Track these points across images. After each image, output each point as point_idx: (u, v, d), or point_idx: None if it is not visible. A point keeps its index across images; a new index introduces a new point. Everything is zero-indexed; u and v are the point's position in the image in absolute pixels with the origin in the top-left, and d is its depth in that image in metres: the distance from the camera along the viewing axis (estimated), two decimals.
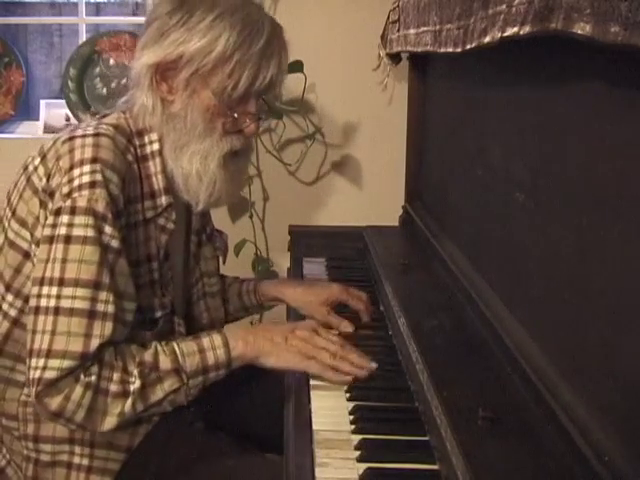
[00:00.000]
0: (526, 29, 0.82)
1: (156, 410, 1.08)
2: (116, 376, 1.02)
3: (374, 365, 1.13)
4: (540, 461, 0.79)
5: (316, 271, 1.69)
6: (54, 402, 1.00)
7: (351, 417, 1.02)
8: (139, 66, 1.12)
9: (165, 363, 1.06)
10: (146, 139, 1.15)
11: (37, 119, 2.39)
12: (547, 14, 0.75)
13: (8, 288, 1.12)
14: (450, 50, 1.21)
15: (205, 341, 1.09)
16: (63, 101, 2.34)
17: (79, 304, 1.01)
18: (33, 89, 2.50)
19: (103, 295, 1.02)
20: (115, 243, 1.04)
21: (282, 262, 2.20)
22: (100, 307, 1.02)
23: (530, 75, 1.02)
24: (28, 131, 2.39)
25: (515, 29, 0.85)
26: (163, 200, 1.15)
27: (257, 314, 2.04)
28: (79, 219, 1.02)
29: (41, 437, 1.13)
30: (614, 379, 0.75)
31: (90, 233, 1.02)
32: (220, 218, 2.23)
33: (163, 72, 1.12)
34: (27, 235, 1.10)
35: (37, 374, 0.99)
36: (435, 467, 0.90)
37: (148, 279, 1.15)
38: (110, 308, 1.02)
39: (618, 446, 0.72)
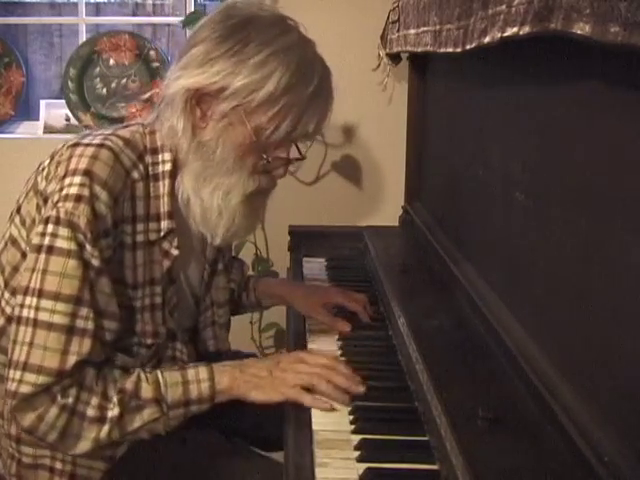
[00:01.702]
0: (526, 29, 0.82)
1: (132, 438, 1.06)
2: (94, 401, 1.00)
3: (361, 389, 1.07)
4: (540, 461, 0.79)
5: (316, 271, 1.69)
6: (27, 419, 0.99)
7: (351, 417, 1.02)
8: (177, 86, 1.06)
9: (146, 392, 1.03)
10: (159, 158, 1.10)
11: (37, 119, 2.39)
12: (547, 14, 0.75)
13: (6, 285, 1.11)
14: (450, 50, 1.21)
15: (190, 373, 1.07)
16: (63, 101, 2.34)
17: (58, 319, 0.98)
18: (33, 89, 2.50)
19: (84, 311, 1.00)
20: (95, 262, 1.01)
21: (282, 262, 2.19)
22: (80, 323, 1.00)
23: (530, 75, 1.02)
24: (28, 131, 2.39)
25: (515, 29, 0.85)
26: (165, 225, 1.10)
27: (256, 312, 2.04)
28: (62, 231, 1.00)
29: (23, 439, 1.12)
30: (614, 379, 0.75)
31: (73, 246, 0.99)
32: None
33: (200, 97, 1.06)
34: (25, 236, 1.09)
35: (13, 387, 0.98)
36: (435, 467, 0.90)
37: (149, 302, 1.11)
38: (90, 325, 1.00)
39: (618, 446, 0.72)
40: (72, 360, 0.99)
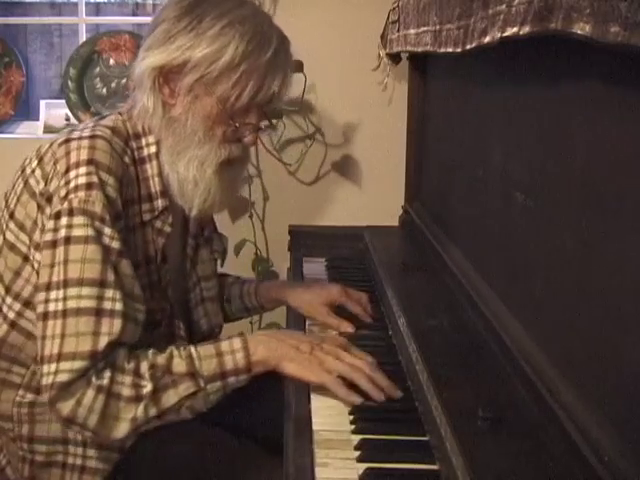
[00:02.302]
0: (526, 29, 0.82)
1: (174, 417, 1.04)
2: (128, 380, 1.00)
3: (399, 394, 1.05)
4: (540, 461, 0.79)
5: (316, 271, 1.69)
6: (66, 407, 0.98)
7: (351, 417, 1.02)
8: (142, 67, 1.12)
9: (179, 366, 1.03)
10: (143, 142, 1.15)
11: (37, 119, 2.39)
12: (547, 14, 0.75)
13: (7, 291, 1.12)
14: (450, 50, 1.21)
15: (224, 344, 1.06)
16: (63, 101, 2.34)
17: (85, 303, 1.00)
18: (33, 89, 2.50)
19: (109, 293, 1.01)
20: (116, 244, 1.03)
21: (282, 262, 2.19)
22: (107, 305, 1.01)
23: (530, 75, 1.02)
24: (28, 131, 2.39)
25: (515, 29, 0.85)
26: (160, 203, 1.15)
27: (257, 314, 2.04)
28: (77, 219, 1.02)
29: (35, 437, 1.12)
30: (614, 379, 0.75)
31: (90, 232, 1.02)
32: (220, 218, 2.22)
33: (167, 75, 1.11)
34: (26, 239, 1.10)
35: (50, 380, 0.98)
36: (435, 467, 0.90)
37: (147, 281, 1.14)
38: (117, 306, 1.01)
39: (618, 446, 0.72)
40: (104, 341, 1.00)
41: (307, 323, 1.36)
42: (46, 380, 0.99)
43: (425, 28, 1.43)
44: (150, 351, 1.05)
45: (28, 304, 1.11)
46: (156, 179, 1.15)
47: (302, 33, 2.11)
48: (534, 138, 1.01)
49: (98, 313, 1.00)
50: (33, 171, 1.10)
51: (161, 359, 1.04)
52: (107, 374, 1.00)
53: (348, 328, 1.31)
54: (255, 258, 2.24)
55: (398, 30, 1.79)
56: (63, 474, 1.13)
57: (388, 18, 1.94)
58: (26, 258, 1.10)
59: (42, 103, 2.40)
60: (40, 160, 1.10)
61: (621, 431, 0.72)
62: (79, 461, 1.13)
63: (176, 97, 1.12)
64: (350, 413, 1.03)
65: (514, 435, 0.85)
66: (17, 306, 1.11)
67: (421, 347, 1.08)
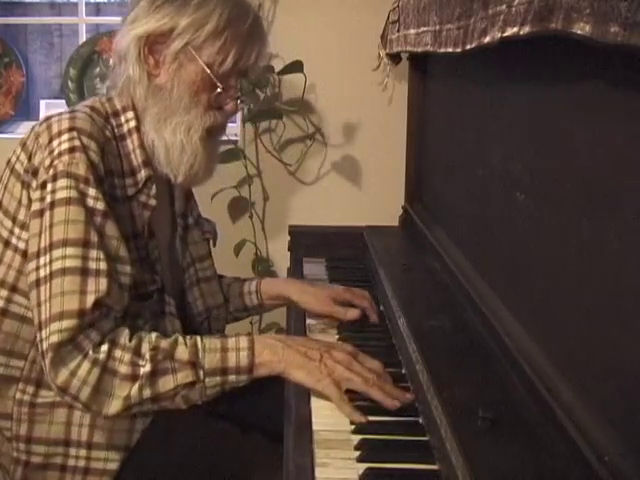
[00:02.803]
0: (526, 29, 0.82)
1: (168, 404, 1.03)
2: (127, 357, 1.00)
3: (409, 397, 1.04)
4: (540, 461, 0.79)
5: (316, 271, 1.70)
6: (61, 375, 0.98)
7: None
8: (128, 39, 1.15)
9: (182, 353, 1.02)
10: (122, 118, 1.17)
11: (37, 119, 2.38)
12: (547, 14, 0.75)
13: (1, 284, 1.12)
14: (450, 50, 1.21)
15: (230, 341, 1.05)
16: (63, 101, 2.34)
17: (70, 263, 1.01)
18: (33, 89, 2.50)
19: (93, 253, 1.02)
20: (100, 205, 1.05)
21: (282, 262, 2.19)
22: (92, 265, 1.02)
23: (530, 75, 1.02)
24: (28, 131, 2.38)
25: (515, 29, 0.85)
26: (142, 173, 1.16)
27: (256, 315, 2.04)
28: (60, 183, 1.04)
29: (34, 438, 1.12)
30: (614, 379, 0.75)
31: (73, 194, 1.03)
32: (220, 218, 2.22)
33: (152, 46, 1.15)
34: (8, 224, 1.11)
35: (44, 345, 0.99)
36: (435, 467, 0.90)
37: (136, 256, 1.14)
38: (102, 265, 1.02)
39: (618, 446, 0.72)
40: (91, 299, 1.00)
41: (307, 323, 1.36)
42: (41, 347, 1.00)
43: (425, 28, 1.43)
44: (154, 334, 1.05)
45: (15, 289, 1.11)
46: (137, 151, 1.16)
47: (302, 33, 2.13)
48: (534, 138, 1.01)
49: (83, 272, 1.01)
50: (18, 157, 1.12)
51: (165, 343, 1.03)
52: (104, 348, 1.00)
53: (355, 314, 1.32)
54: (255, 258, 2.23)
55: (398, 30, 1.79)
56: (62, 476, 1.12)
57: (388, 18, 1.94)
58: (7, 243, 1.11)
59: (42, 103, 2.41)
60: (23, 145, 1.12)
61: (621, 431, 0.73)
62: (82, 463, 1.12)
63: (161, 66, 1.16)
64: None
65: (514, 435, 0.85)
66: (4, 293, 1.11)
67: (421, 347, 1.08)
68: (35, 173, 1.07)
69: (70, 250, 1.01)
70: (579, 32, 0.67)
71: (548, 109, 0.95)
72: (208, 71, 1.15)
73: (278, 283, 1.47)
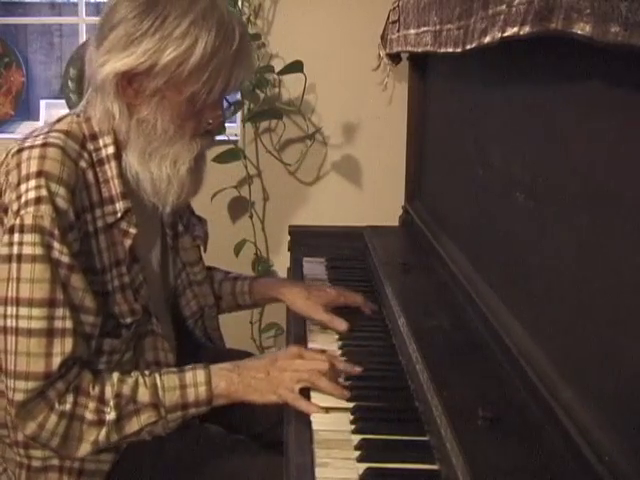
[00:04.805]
0: (526, 29, 0.82)
1: (133, 439, 1.08)
2: (92, 405, 1.03)
3: (358, 369, 1.13)
4: (540, 461, 0.79)
5: (316, 271, 1.69)
6: (29, 428, 1.02)
7: (351, 417, 1.02)
8: (104, 73, 1.07)
9: (143, 396, 1.06)
10: (101, 142, 1.12)
11: (37, 119, 2.39)
12: (547, 14, 0.75)
13: None
14: (450, 50, 1.21)
15: (188, 376, 1.09)
16: (63, 101, 2.34)
17: (36, 324, 1.00)
18: (33, 89, 2.50)
19: (59, 312, 1.01)
20: (65, 259, 1.02)
21: (282, 262, 2.20)
22: (58, 324, 1.01)
23: (530, 75, 1.02)
24: (28, 131, 2.39)
25: (515, 29, 0.85)
26: (121, 205, 1.11)
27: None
28: (27, 237, 1.01)
29: (31, 443, 1.12)
30: (614, 379, 0.75)
31: (38, 251, 1.01)
32: (220, 218, 2.23)
33: (131, 78, 1.07)
34: None
35: (10, 395, 1.01)
36: (435, 467, 0.90)
37: (119, 284, 1.12)
38: (68, 324, 1.02)
39: (618, 446, 0.72)
40: (57, 361, 1.01)
41: (307, 323, 1.36)
42: (8, 395, 1.02)
43: (425, 28, 1.43)
44: (115, 377, 1.07)
45: None
46: (116, 181, 1.11)
47: (302, 33, 2.13)
48: (534, 138, 1.01)
49: (49, 333, 1.01)
50: None
51: (127, 388, 1.06)
52: (70, 398, 1.02)
53: (342, 325, 1.31)
54: (255, 258, 2.24)
55: (398, 30, 1.79)
56: (60, 477, 1.13)
57: (388, 18, 1.94)
58: None
59: (42, 103, 2.41)
60: None
61: (621, 431, 0.73)
62: (76, 464, 1.13)
63: (141, 98, 1.09)
64: (350, 413, 1.03)
65: (514, 435, 0.85)
66: None
67: (421, 347, 1.08)
68: (6, 211, 1.05)
69: (36, 311, 1.00)
70: (579, 32, 0.67)
71: (548, 109, 0.95)
72: (192, 106, 1.09)
73: (271, 286, 1.46)
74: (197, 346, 1.41)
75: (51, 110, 2.40)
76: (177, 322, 1.37)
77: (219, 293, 1.45)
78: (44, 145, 1.05)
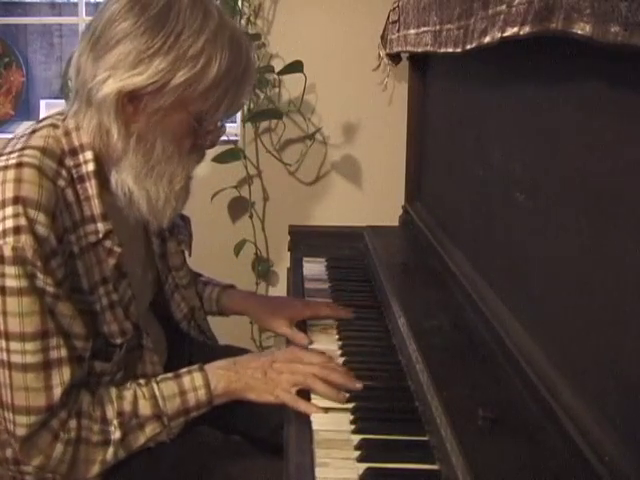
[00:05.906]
0: (526, 29, 0.82)
1: (139, 450, 1.08)
2: (96, 427, 1.03)
3: (359, 386, 1.09)
4: (540, 461, 0.79)
5: (316, 271, 1.69)
6: (35, 460, 1.01)
7: (351, 417, 1.02)
8: (106, 89, 1.00)
9: (145, 409, 1.06)
10: (80, 158, 1.05)
11: (37, 119, 2.39)
12: (547, 14, 0.75)
13: None
14: (450, 50, 1.22)
15: (186, 381, 1.09)
16: (63, 101, 2.34)
17: (31, 358, 0.97)
18: (33, 89, 2.50)
19: (53, 341, 0.98)
20: (51, 288, 0.97)
21: (282, 262, 2.20)
22: (53, 354, 0.98)
23: (530, 75, 1.02)
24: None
25: (515, 29, 0.85)
26: (102, 227, 1.06)
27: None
28: (9, 269, 0.95)
29: (21, 460, 1.09)
30: (614, 379, 0.75)
31: (23, 283, 0.96)
32: (220, 218, 2.23)
33: (134, 97, 1.01)
34: None
35: (11, 428, 1.00)
36: (435, 467, 0.90)
37: (107, 302, 1.09)
38: (63, 352, 0.99)
39: (618, 446, 0.72)
40: (58, 392, 0.99)
41: (307, 323, 1.36)
42: (8, 427, 1.00)
43: (425, 28, 1.43)
44: (114, 394, 1.06)
45: None
46: (96, 200, 1.05)
47: (302, 33, 2.13)
48: (534, 138, 1.01)
49: (47, 366, 0.98)
50: None
51: (127, 405, 1.05)
52: (73, 424, 1.01)
53: (303, 339, 1.29)
54: (255, 258, 2.24)
55: (398, 30, 1.79)
56: None
57: (388, 18, 1.94)
58: None
59: (42, 103, 2.41)
60: None
61: (621, 431, 0.73)
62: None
63: (140, 115, 1.03)
64: (350, 413, 1.03)
65: (514, 435, 0.85)
66: None
67: (421, 347, 1.08)
68: None
69: (29, 345, 0.97)
70: (579, 32, 0.68)
71: (548, 109, 0.95)
72: (196, 124, 1.05)
73: (237, 301, 1.44)
74: (191, 345, 1.41)
75: (51, 110, 2.38)
76: (169, 325, 1.37)
77: (201, 294, 1.45)
78: (19, 165, 0.99)
